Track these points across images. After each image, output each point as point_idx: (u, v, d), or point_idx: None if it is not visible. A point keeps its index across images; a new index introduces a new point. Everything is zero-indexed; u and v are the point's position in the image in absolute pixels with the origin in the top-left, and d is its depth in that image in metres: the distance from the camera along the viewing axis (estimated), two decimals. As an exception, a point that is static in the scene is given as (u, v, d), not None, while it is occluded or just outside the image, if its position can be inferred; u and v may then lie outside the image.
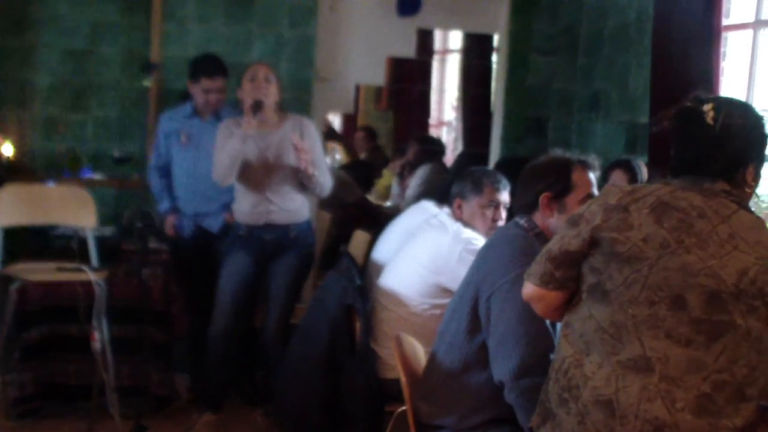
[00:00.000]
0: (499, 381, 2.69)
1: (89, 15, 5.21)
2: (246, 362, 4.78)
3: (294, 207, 4.45)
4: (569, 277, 2.29)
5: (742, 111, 2.26)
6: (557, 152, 3.01)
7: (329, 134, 8.43)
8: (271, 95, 4.38)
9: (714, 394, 2.05)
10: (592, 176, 2.93)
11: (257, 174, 4.36)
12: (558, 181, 2.89)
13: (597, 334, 2.19)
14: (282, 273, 4.47)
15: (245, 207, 4.45)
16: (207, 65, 4.66)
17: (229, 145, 4.28)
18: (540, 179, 2.94)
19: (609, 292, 2.18)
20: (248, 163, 4.34)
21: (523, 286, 2.44)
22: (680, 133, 2.29)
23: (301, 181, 4.39)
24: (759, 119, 2.26)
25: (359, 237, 5.15)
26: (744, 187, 2.24)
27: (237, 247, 4.50)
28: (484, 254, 2.96)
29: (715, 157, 2.21)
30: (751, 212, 2.16)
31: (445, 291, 3.61)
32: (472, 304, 2.80)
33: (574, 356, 2.24)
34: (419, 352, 3.25)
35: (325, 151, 7.04)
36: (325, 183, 4.46)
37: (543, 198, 2.89)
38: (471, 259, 3.25)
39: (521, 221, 2.92)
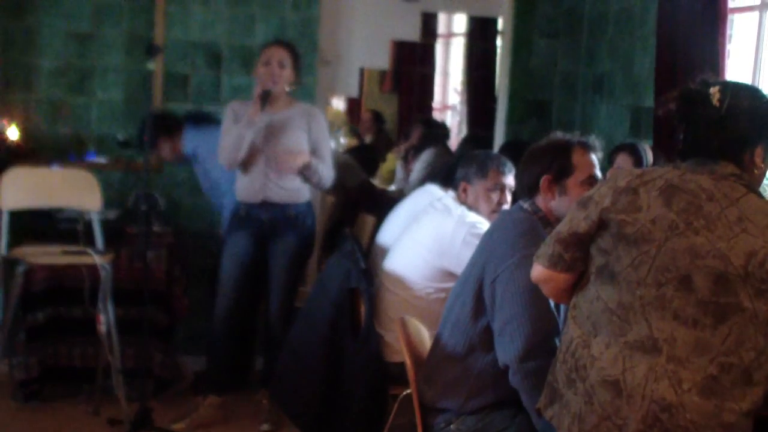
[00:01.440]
0: (504, 364, 2.70)
1: (92, -3, 5.21)
2: (246, 345, 4.79)
3: (292, 186, 4.43)
4: (577, 259, 2.30)
5: (748, 93, 2.26)
6: (557, 134, 3.00)
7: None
8: (283, 80, 4.36)
9: (721, 376, 2.06)
10: (594, 158, 2.93)
11: (256, 149, 4.35)
12: (558, 163, 2.89)
13: (604, 315, 2.20)
14: (282, 255, 4.47)
15: (244, 183, 4.44)
16: None
17: (235, 131, 4.28)
18: (540, 162, 2.94)
19: (617, 274, 2.19)
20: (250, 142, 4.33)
21: (531, 268, 2.45)
22: (686, 115, 2.28)
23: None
24: (765, 101, 2.25)
25: (364, 219, 5.16)
26: (753, 170, 2.23)
27: (236, 227, 4.51)
28: (488, 237, 2.97)
29: (721, 138, 2.21)
30: (761, 196, 2.16)
31: (449, 274, 3.61)
32: (477, 287, 2.81)
33: (582, 337, 2.25)
34: (424, 335, 3.26)
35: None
36: (326, 176, 4.44)
37: (543, 180, 2.89)
38: (475, 242, 3.25)
39: (525, 205, 2.93)
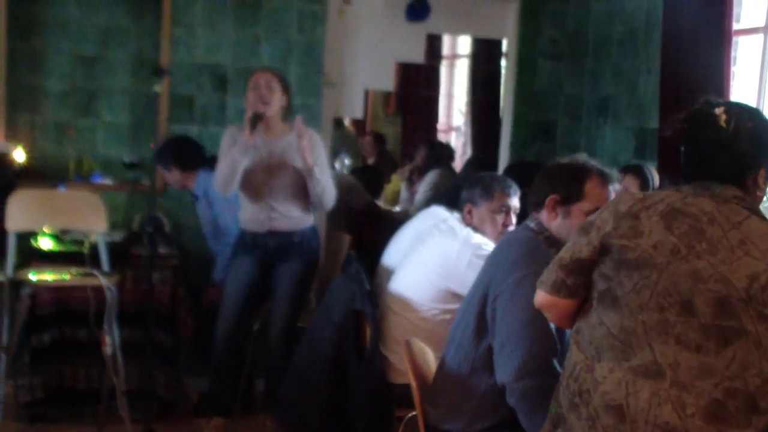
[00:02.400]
0: (501, 383, 2.70)
1: (99, 20, 5.23)
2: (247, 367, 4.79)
3: (297, 214, 4.45)
4: (580, 285, 2.30)
5: (752, 115, 2.26)
6: (582, 157, 2.97)
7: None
8: (274, 103, 4.36)
9: (725, 401, 2.05)
10: (610, 190, 2.89)
11: (260, 181, 4.37)
12: (568, 187, 2.88)
13: (607, 340, 2.20)
14: (286, 278, 4.48)
15: (249, 214, 4.47)
16: None
17: (230, 156, 4.29)
18: (552, 180, 2.93)
19: (619, 299, 2.18)
20: (251, 171, 4.34)
21: (532, 287, 2.45)
22: (691, 136, 2.29)
23: (305, 190, 4.39)
24: (766, 122, 2.26)
25: (341, 237, 5.18)
26: (756, 192, 2.23)
27: (241, 252, 4.52)
28: (493, 257, 2.97)
29: (726, 160, 2.21)
30: (764, 218, 2.16)
31: (454, 296, 3.61)
32: (480, 306, 2.81)
33: (585, 362, 2.24)
34: (429, 357, 3.25)
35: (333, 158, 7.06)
36: (328, 189, 4.45)
37: (549, 200, 2.88)
38: (480, 264, 3.25)
39: (531, 224, 2.93)
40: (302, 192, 4.43)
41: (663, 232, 2.15)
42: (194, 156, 4.92)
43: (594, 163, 2.92)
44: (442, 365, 2.98)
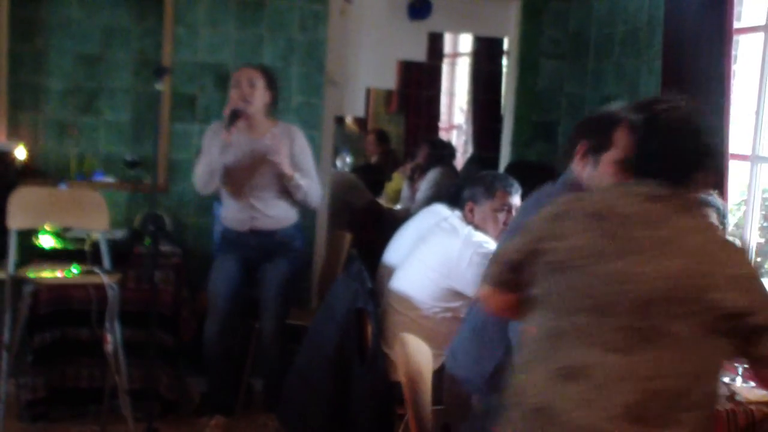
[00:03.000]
0: None
1: (101, 19, 5.23)
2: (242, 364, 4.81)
3: (278, 213, 4.44)
4: (517, 281, 2.31)
5: (695, 116, 2.27)
6: (617, 105, 2.92)
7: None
8: (256, 100, 4.35)
9: (647, 401, 2.04)
10: None
11: (241, 180, 4.36)
12: (596, 135, 2.83)
13: (539, 342, 2.21)
14: (271, 278, 4.47)
15: (230, 213, 4.46)
16: None
17: (209, 154, 4.29)
18: (583, 129, 2.91)
19: (547, 302, 2.21)
20: (233, 168, 4.34)
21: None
22: (634, 137, 2.31)
23: (287, 188, 4.38)
24: (709, 125, 2.28)
25: (342, 236, 5.18)
26: (695, 191, 2.25)
27: (225, 249, 4.52)
28: (518, 215, 2.94)
29: (669, 160, 2.21)
30: (697, 216, 2.17)
31: (456, 294, 3.62)
32: None
33: (520, 363, 2.27)
34: (424, 354, 3.25)
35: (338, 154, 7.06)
36: (313, 192, 4.44)
37: (579, 147, 2.85)
38: (482, 262, 3.26)
39: (566, 178, 2.89)
40: (285, 190, 4.41)
41: (588, 233, 2.16)
42: None
43: (627, 110, 2.81)
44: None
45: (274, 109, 4.49)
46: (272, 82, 4.45)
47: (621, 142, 2.74)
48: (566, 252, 2.17)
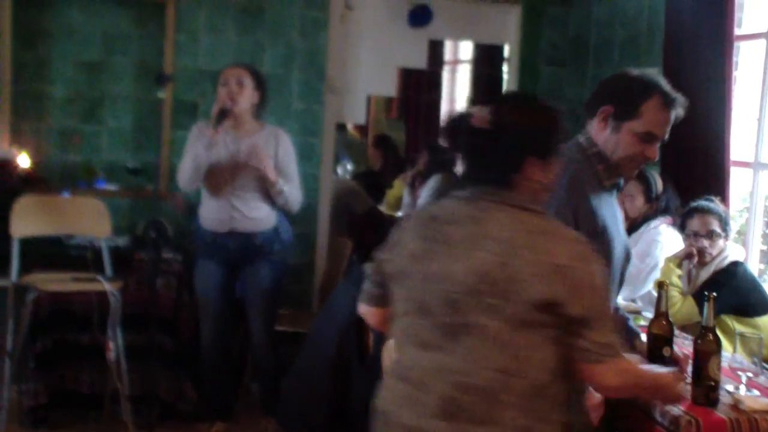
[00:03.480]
0: None
1: (103, 27, 5.25)
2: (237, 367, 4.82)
3: (258, 215, 4.39)
4: (384, 295, 2.32)
5: (516, 107, 2.22)
6: (653, 73, 2.77)
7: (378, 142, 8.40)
8: (244, 99, 4.32)
9: (458, 397, 2.04)
10: (671, 115, 2.69)
11: (223, 178, 4.34)
12: (624, 101, 2.70)
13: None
14: (255, 285, 4.43)
15: (210, 212, 4.41)
16: None
17: (194, 150, 4.28)
18: (611, 89, 2.78)
19: (394, 310, 2.25)
20: (215, 167, 4.32)
21: None
22: (456, 140, 2.26)
23: (268, 191, 4.37)
24: (538, 112, 2.22)
25: (343, 243, 5.17)
26: (531, 184, 2.17)
27: (203, 255, 4.50)
28: None
29: (490, 157, 2.17)
30: (516, 211, 2.12)
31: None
32: None
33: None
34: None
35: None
36: (293, 197, 4.42)
37: (602, 110, 2.72)
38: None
39: (581, 139, 2.79)
40: (267, 193, 4.38)
41: (415, 239, 2.20)
42: None
43: (663, 82, 2.71)
44: None
45: (262, 111, 4.46)
46: (261, 83, 4.41)
47: (649, 115, 2.66)
48: (399, 260, 2.22)
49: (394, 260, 2.24)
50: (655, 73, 2.75)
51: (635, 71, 2.78)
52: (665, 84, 2.70)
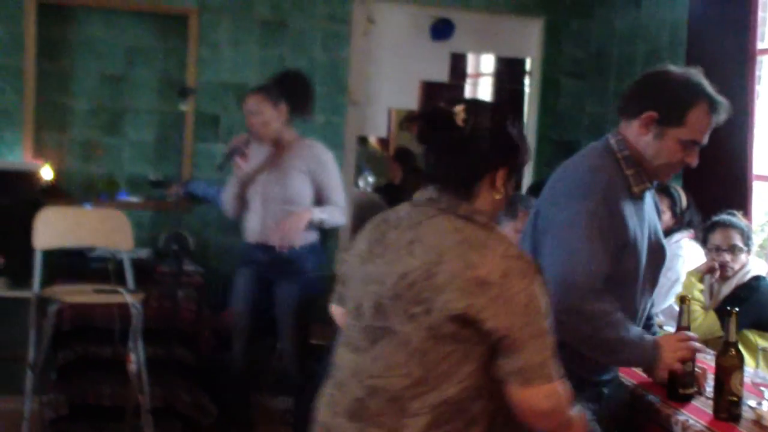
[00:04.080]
0: None
1: (125, 40, 5.29)
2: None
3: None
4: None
5: (493, 113, 2.16)
6: (696, 74, 2.67)
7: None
8: (266, 125, 4.27)
9: (367, 399, 2.03)
10: (714, 121, 2.62)
11: (256, 190, 4.32)
12: (671, 108, 2.61)
13: None
14: (284, 301, 4.37)
15: (246, 221, 4.41)
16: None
17: (229, 185, 4.36)
18: (656, 94, 2.66)
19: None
20: (252, 177, 4.33)
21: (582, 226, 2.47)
22: (427, 136, 2.17)
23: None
24: (506, 122, 2.15)
25: None
26: (493, 194, 2.14)
27: (242, 264, 4.51)
28: (555, 178, 2.78)
29: (462, 161, 2.11)
30: (459, 220, 2.06)
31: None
32: (532, 229, 2.71)
33: None
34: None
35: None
36: (334, 221, 4.38)
37: (646, 115, 2.62)
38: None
39: (612, 141, 2.70)
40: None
41: (363, 242, 2.20)
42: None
43: (707, 86, 2.63)
44: None
45: (297, 119, 4.40)
46: (284, 95, 4.34)
47: (695, 123, 2.58)
48: (349, 261, 2.23)
49: (346, 261, 2.25)
50: (698, 74, 2.66)
51: (678, 71, 2.69)
52: (709, 87, 2.63)
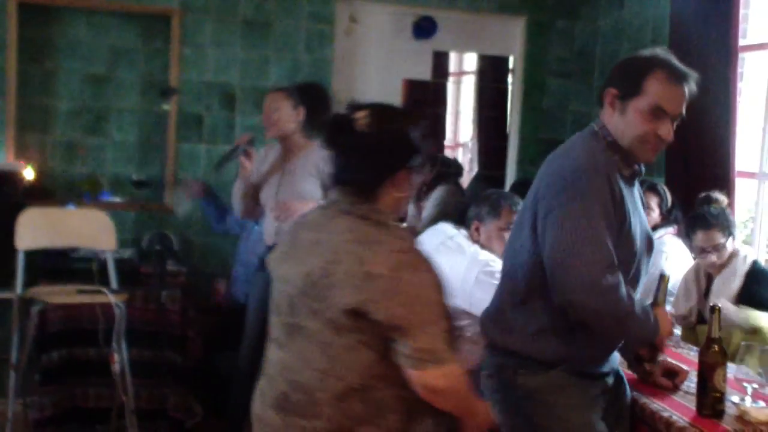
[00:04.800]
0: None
1: (108, 40, 5.27)
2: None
3: None
4: None
5: (395, 117, 2.29)
6: (660, 50, 2.71)
7: None
8: (282, 123, 4.29)
9: (290, 392, 2.20)
10: (679, 91, 2.61)
11: (269, 194, 4.35)
12: (628, 80, 2.64)
13: None
14: None
15: (263, 225, 4.44)
16: None
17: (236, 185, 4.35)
18: (617, 70, 2.73)
19: None
20: (266, 181, 4.34)
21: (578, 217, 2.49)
22: (331, 141, 2.29)
23: None
24: (408, 126, 2.27)
25: None
26: (393, 193, 2.24)
27: (259, 268, 4.51)
28: (548, 165, 2.78)
29: (363, 163, 2.23)
30: (357, 220, 2.18)
31: (462, 313, 3.61)
32: (532, 222, 2.69)
33: None
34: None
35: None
36: None
37: (607, 93, 2.68)
38: (488, 281, 3.25)
39: (596, 126, 2.74)
40: None
41: (283, 243, 2.38)
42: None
43: (667, 57, 2.64)
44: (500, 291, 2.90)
45: (312, 125, 4.41)
46: (304, 100, 4.36)
47: (653, 90, 2.59)
48: (272, 262, 2.38)
49: (270, 261, 2.40)
50: (659, 51, 2.70)
51: (642, 52, 2.75)
52: (670, 58, 2.65)
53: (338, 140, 2.26)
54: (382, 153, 2.22)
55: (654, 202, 4.46)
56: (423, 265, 2.16)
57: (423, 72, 6.43)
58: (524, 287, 2.69)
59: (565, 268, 2.48)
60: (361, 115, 2.20)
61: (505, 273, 2.85)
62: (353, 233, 2.15)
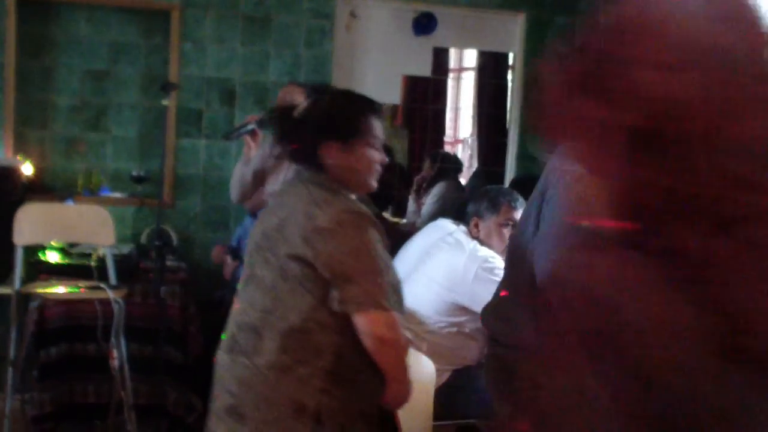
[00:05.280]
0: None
1: (108, 36, 5.26)
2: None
3: None
4: None
5: (328, 99, 2.62)
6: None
7: None
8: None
9: (237, 334, 2.48)
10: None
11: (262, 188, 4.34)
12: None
13: None
14: None
15: None
16: None
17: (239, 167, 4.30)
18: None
19: None
20: (272, 172, 4.33)
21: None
22: (279, 129, 2.67)
23: None
24: (343, 101, 2.63)
25: None
26: (334, 164, 2.50)
27: None
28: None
29: (296, 142, 2.55)
30: (317, 185, 2.47)
31: (461, 309, 3.61)
32: (536, 213, 2.72)
33: None
34: (425, 369, 3.24)
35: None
36: None
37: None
38: (487, 276, 3.25)
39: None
40: None
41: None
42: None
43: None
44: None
45: None
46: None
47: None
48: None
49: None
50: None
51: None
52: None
53: (282, 127, 2.63)
54: (310, 125, 2.50)
55: None
56: (367, 224, 2.39)
57: (423, 68, 6.43)
58: (528, 279, 2.69)
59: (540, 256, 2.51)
60: (301, 105, 2.57)
61: (509, 264, 2.84)
62: (309, 197, 2.43)
